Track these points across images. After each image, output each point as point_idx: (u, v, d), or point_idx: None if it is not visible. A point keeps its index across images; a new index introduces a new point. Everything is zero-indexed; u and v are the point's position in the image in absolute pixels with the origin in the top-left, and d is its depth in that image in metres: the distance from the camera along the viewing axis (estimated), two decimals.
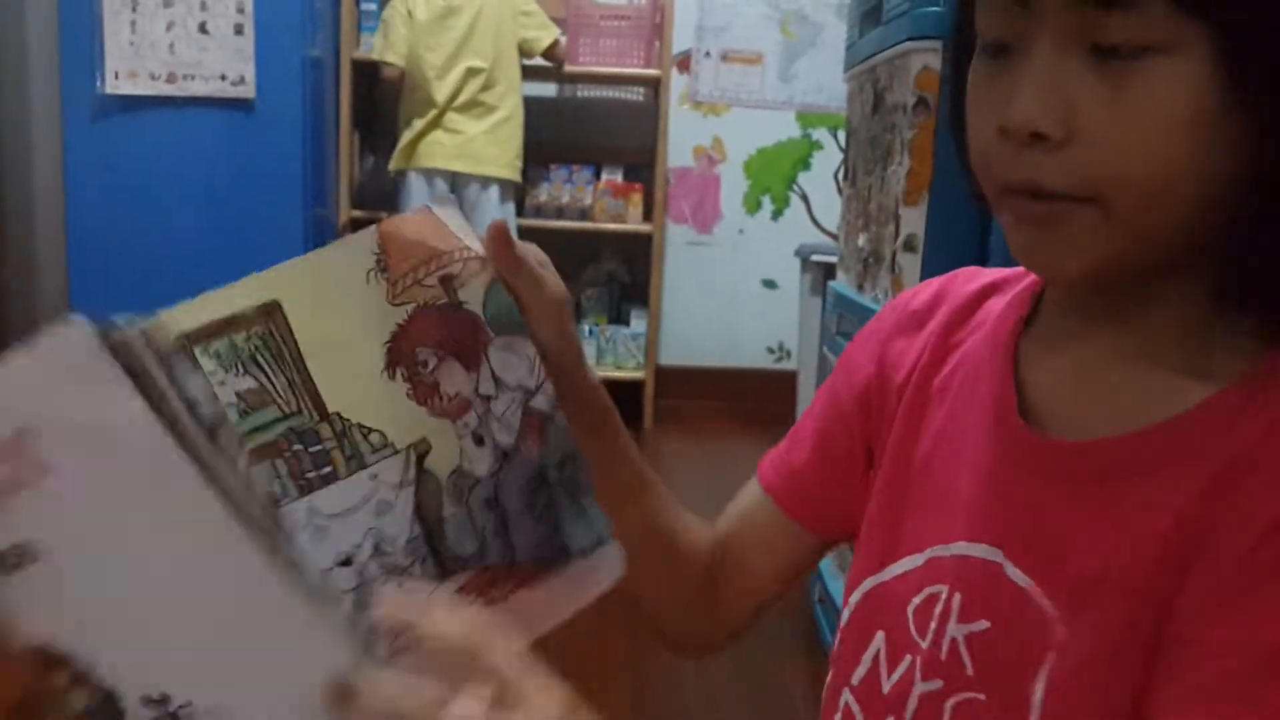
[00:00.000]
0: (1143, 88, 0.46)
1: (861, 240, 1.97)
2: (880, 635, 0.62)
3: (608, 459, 0.63)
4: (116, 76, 3.26)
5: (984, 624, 0.56)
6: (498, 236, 0.53)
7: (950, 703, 0.57)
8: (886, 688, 0.61)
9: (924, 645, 0.59)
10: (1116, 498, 0.52)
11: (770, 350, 4.33)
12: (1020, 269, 0.63)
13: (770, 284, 4.27)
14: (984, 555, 0.57)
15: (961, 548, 0.59)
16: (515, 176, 3.56)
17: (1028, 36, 0.49)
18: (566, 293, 0.57)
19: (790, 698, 1.96)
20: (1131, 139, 0.47)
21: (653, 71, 3.94)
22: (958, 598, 0.58)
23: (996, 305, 0.64)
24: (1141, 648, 0.49)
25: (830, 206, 4.08)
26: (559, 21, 3.73)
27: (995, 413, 0.59)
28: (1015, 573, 0.55)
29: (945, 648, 0.58)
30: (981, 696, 0.56)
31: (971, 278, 0.68)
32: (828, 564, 2.12)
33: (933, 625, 0.59)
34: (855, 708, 0.63)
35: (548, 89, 4.13)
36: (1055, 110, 0.48)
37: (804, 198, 4.29)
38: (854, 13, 2.10)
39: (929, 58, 1.61)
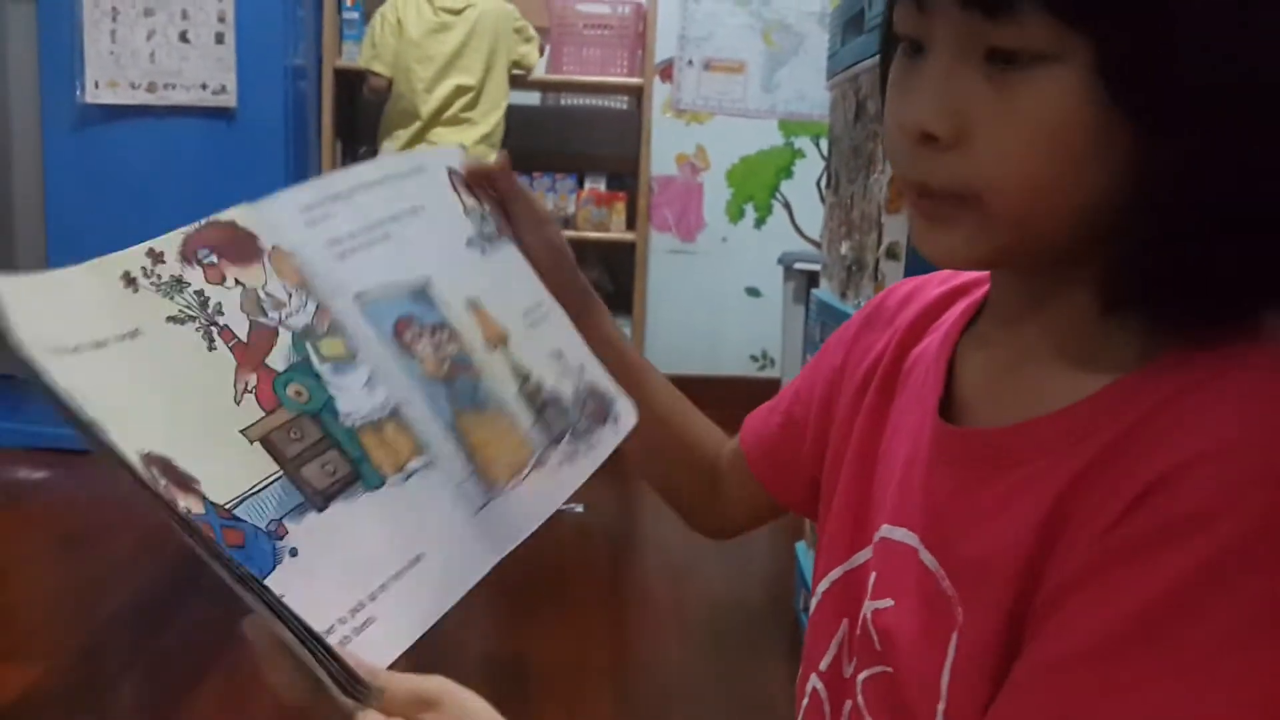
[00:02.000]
0: (1027, 96, 0.48)
1: (844, 248, 1.97)
2: (845, 622, 0.64)
3: (611, 357, 0.73)
4: (97, 86, 3.25)
5: (889, 601, 0.59)
6: (472, 171, 0.68)
7: (861, 677, 0.60)
8: (847, 672, 0.63)
9: (858, 625, 0.62)
10: (1008, 484, 0.53)
11: (754, 358, 4.34)
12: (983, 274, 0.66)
13: (753, 292, 4.28)
14: (902, 539, 0.59)
15: (886, 531, 0.61)
16: None
17: (930, 38, 0.50)
18: (544, 207, 0.67)
19: (773, 703, 1.96)
20: (1011, 146, 0.49)
21: (636, 80, 3.95)
22: (874, 575, 0.61)
23: (958, 308, 0.66)
24: (1021, 630, 0.50)
25: (813, 215, 4.09)
26: (542, 31, 3.74)
27: (926, 403, 0.61)
28: (926, 556, 0.57)
29: (859, 626, 0.61)
30: (889, 669, 0.58)
31: (946, 279, 0.70)
32: (811, 571, 2.12)
33: (865, 601, 0.61)
34: (823, 692, 0.65)
35: (531, 97, 4.14)
36: (945, 113, 0.49)
37: (787, 206, 4.31)
38: (836, 21, 2.11)
39: None
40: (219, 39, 3.28)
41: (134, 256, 0.49)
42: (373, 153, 3.55)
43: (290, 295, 0.53)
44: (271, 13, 3.32)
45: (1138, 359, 0.51)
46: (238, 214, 0.53)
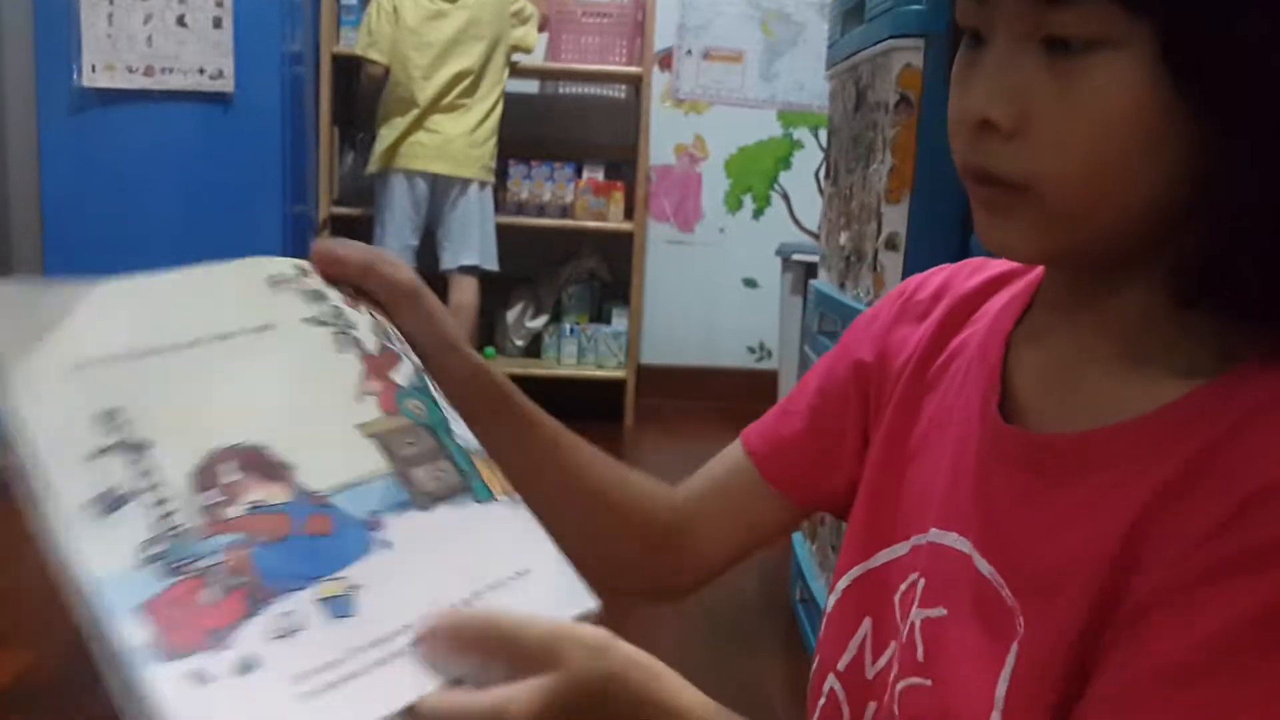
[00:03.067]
0: (1087, 84, 0.47)
1: (843, 239, 1.97)
2: (868, 621, 0.63)
3: (511, 432, 0.63)
4: (93, 69, 3.23)
5: (941, 610, 0.57)
6: (320, 257, 0.55)
7: (900, 686, 0.58)
8: (871, 673, 0.61)
9: (903, 631, 0.59)
10: (1082, 493, 0.51)
11: (751, 349, 4.33)
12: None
13: (751, 283, 4.27)
14: (953, 544, 0.57)
15: (935, 535, 0.59)
16: (490, 178, 3.55)
17: (990, 27, 0.50)
18: (414, 278, 0.58)
19: (769, 698, 1.96)
20: (1072, 135, 0.48)
21: (634, 69, 3.94)
22: (922, 583, 0.59)
23: (1000, 300, 0.64)
24: (1095, 647, 0.49)
25: (811, 206, 4.08)
26: (542, 19, 3.72)
27: (980, 404, 0.59)
28: (982, 564, 0.55)
29: (905, 632, 0.59)
30: (927, 682, 0.56)
31: (977, 270, 0.68)
32: (809, 564, 2.12)
33: (911, 612, 0.59)
34: (840, 693, 0.63)
35: (529, 86, 4.12)
36: (1004, 102, 0.49)
37: (785, 197, 4.30)
38: (836, 11, 2.10)
39: (911, 55, 1.61)
40: (216, 24, 3.26)
41: (282, 264, 0.52)
42: (370, 139, 3.54)
43: (403, 342, 0.55)
44: None
45: (1213, 364, 0.50)
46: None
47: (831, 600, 0.66)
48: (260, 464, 0.45)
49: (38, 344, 0.43)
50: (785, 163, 4.28)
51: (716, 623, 2.34)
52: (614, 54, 3.97)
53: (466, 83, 3.42)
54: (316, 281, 0.53)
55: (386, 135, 3.43)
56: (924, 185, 1.62)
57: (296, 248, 3.58)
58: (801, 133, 4.26)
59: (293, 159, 3.49)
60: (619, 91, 4.22)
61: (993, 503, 0.56)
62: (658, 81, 4.12)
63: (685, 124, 4.25)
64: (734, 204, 4.31)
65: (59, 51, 3.23)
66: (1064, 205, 0.49)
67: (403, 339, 0.55)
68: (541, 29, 3.69)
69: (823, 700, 0.64)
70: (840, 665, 0.64)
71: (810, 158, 4.22)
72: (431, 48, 3.38)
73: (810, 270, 2.74)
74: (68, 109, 3.27)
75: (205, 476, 0.43)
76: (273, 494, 0.44)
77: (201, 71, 3.26)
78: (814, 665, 0.67)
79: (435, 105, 3.40)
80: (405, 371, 0.52)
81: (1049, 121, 0.48)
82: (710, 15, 4.18)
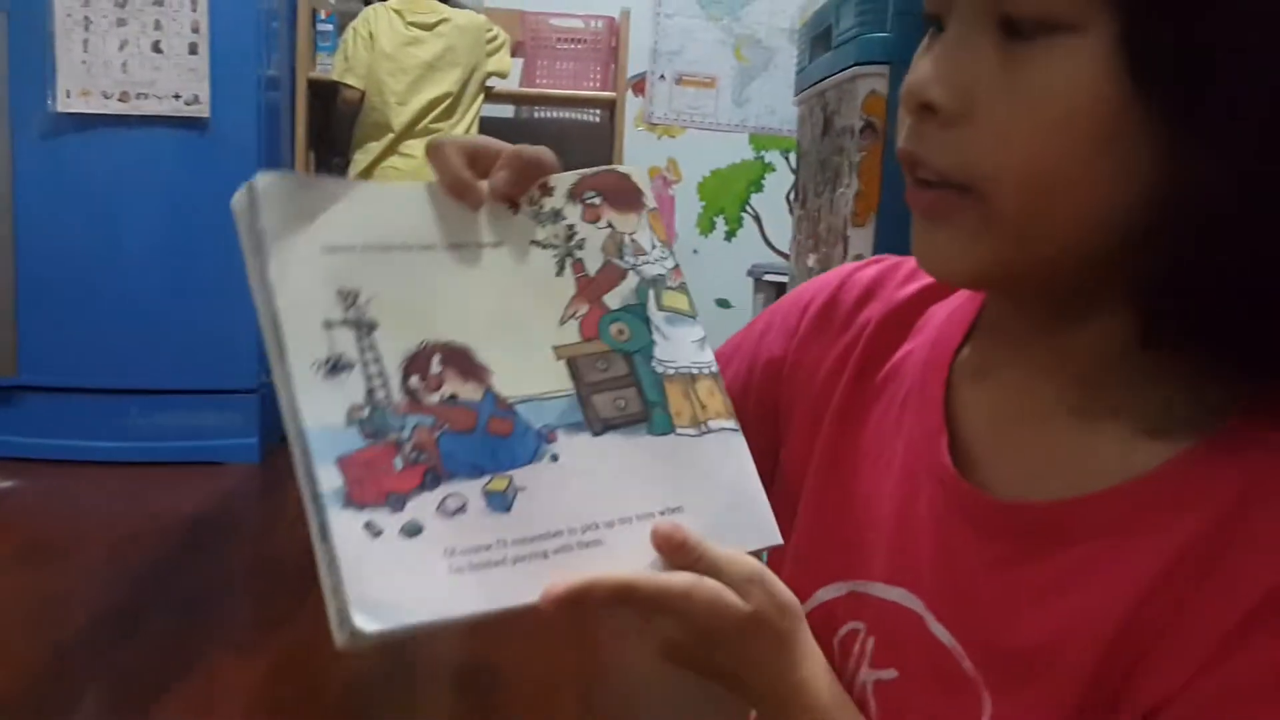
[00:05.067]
0: (1038, 72, 0.43)
1: (811, 260, 2.00)
2: None
3: None
4: (69, 95, 3.23)
5: (892, 673, 0.54)
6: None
7: None
8: None
9: (853, 688, 0.56)
10: (1061, 567, 0.48)
11: None
12: None
13: (724, 303, 4.31)
14: (902, 601, 0.54)
15: (880, 589, 0.55)
16: None
17: (948, 9, 0.46)
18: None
19: (743, 711, 1.97)
20: (1017, 127, 0.44)
21: (608, 94, 3.97)
22: (871, 641, 0.55)
23: (939, 313, 0.59)
24: None
25: (783, 227, 4.13)
26: (517, 44, 3.75)
27: (927, 448, 0.54)
28: (939, 629, 0.51)
29: (856, 690, 0.55)
30: None
31: (912, 277, 0.62)
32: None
33: (850, 665, 0.56)
34: None
35: (504, 110, 4.15)
36: (947, 84, 0.45)
37: (756, 218, 4.34)
38: (804, 38, 2.15)
39: (876, 82, 1.65)
40: (192, 49, 3.27)
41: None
42: (346, 165, 3.55)
43: (654, 247, 0.56)
44: (245, 23, 3.31)
45: (1190, 416, 0.46)
46: (634, 171, 0.57)
47: None
48: (463, 363, 0.49)
49: (299, 226, 0.47)
50: (757, 185, 4.33)
51: None
52: (588, 79, 4.01)
53: (442, 108, 3.44)
54: (559, 200, 0.54)
55: (361, 160, 3.44)
56: (889, 209, 1.66)
57: None
58: (773, 156, 4.31)
59: None
60: (593, 116, 4.26)
61: (953, 567, 0.52)
62: (631, 106, 4.16)
63: (659, 148, 4.29)
64: (707, 226, 4.35)
65: (34, 77, 3.22)
66: (1006, 207, 0.44)
67: (657, 246, 0.56)
68: (513, 54, 3.72)
69: None
70: None
71: (782, 180, 4.27)
72: (407, 73, 3.41)
73: (781, 290, 2.77)
74: (43, 134, 3.26)
75: (415, 363, 0.48)
76: (467, 391, 0.49)
77: (177, 97, 3.27)
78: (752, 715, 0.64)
79: (410, 130, 3.42)
80: (624, 291, 0.54)
81: (993, 111, 0.44)
82: (683, 41, 4.24)
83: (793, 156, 3.93)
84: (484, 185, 0.52)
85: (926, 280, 0.61)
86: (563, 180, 0.55)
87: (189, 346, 3.38)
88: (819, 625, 0.56)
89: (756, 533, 0.52)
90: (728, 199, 4.34)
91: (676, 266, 0.57)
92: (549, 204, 0.54)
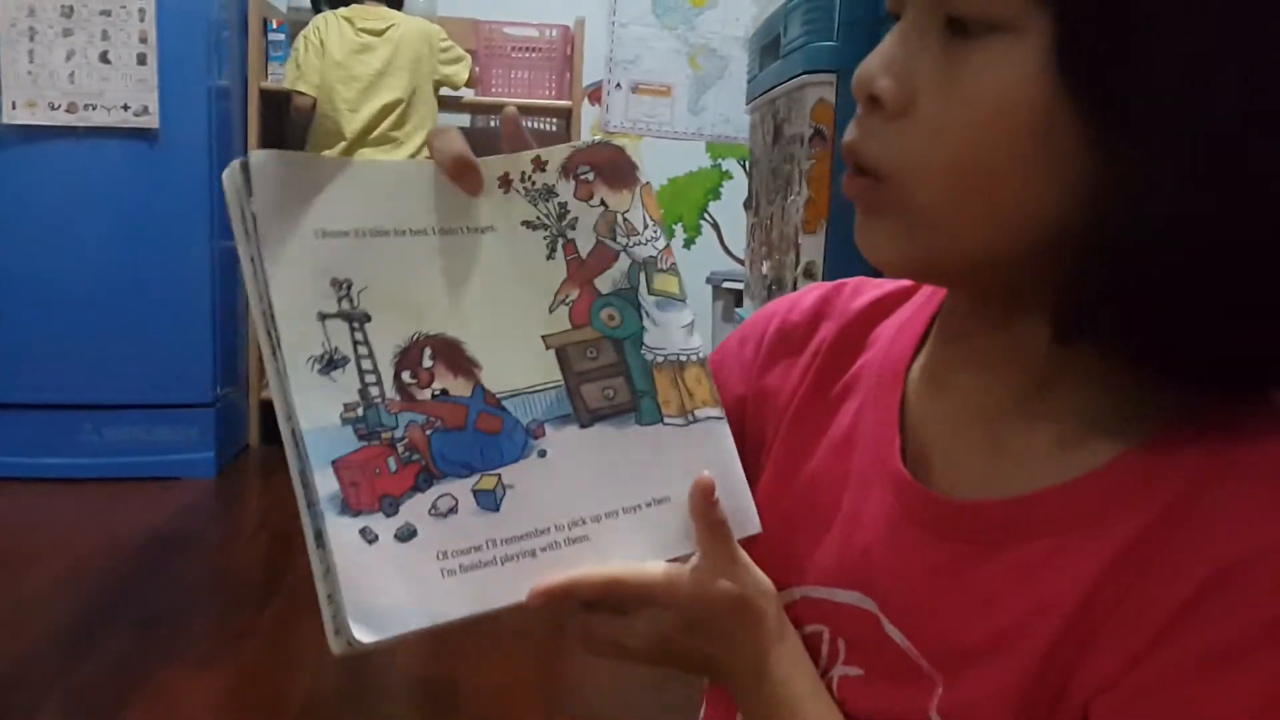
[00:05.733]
0: (974, 69, 0.44)
1: (765, 267, 2.02)
2: None
3: None
4: (14, 106, 3.18)
5: (857, 670, 0.55)
6: (509, 121, 0.56)
7: None
8: None
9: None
10: (1010, 564, 0.48)
11: None
12: (910, 283, 0.61)
13: None
14: (857, 604, 0.54)
15: (833, 593, 0.56)
16: None
17: (903, 6, 0.48)
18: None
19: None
20: (949, 122, 0.45)
21: (564, 103, 3.98)
22: (842, 641, 0.56)
23: (890, 325, 0.61)
24: (1043, 708, 0.47)
25: (741, 235, 4.14)
26: (470, 53, 3.75)
27: (880, 454, 0.55)
28: (892, 630, 0.52)
29: (830, 687, 0.56)
30: None
31: (858, 291, 0.64)
32: None
33: (822, 664, 0.56)
34: None
35: (461, 120, 4.14)
36: (889, 75, 0.46)
37: (715, 226, 4.36)
38: (754, 46, 2.16)
39: (824, 90, 1.67)
40: (141, 60, 3.24)
41: (520, 161, 0.53)
42: None
43: (647, 226, 0.55)
44: (195, 33, 3.28)
45: (1136, 419, 0.47)
46: (628, 144, 0.56)
47: None
48: (453, 356, 0.49)
49: (291, 210, 0.47)
50: (714, 193, 4.35)
51: None
52: (543, 88, 4.01)
53: (395, 115, 3.43)
54: (552, 176, 0.54)
55: None
56: (839, 216, 1.68)
57: (225, 284, 3.56)
58: (730, 164, 4.33)
59: (220, 195, 3.44)
60: (550, 125, 4.26)
61: (904, 570, 0.52)
62: (587, 115, 4.17)
63: None
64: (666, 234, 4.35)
65: None
66: (924, 200, 0.46)
67: (649, 225, 0.56)
68: (470, 83, 3.70)
69: None
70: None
71: (739, 188, 4.29)
72: (358, 81, 3.40)
73: (739, 297, 2.79)
74: None
75: (407, 357, 0.48)
76: (457, 386, 0.49)
77: (126, 108, 3.23)
78: (701, 714, 0.64)
79: (363, 139, 3.41)
80: (615, 274, 0.54)
81: (930, 105, 0.45)
82: (639, 50, 4.25)
83: (748, 170, 3.96)
84: (483, 169, 0.52)
85: (875, 293, 0.63)
86: (555, 154, 0.54)
87: (143, 361, 3.33)
88: None
89: (740, 522, 0.53)
90: (686, 207, 4.36)
91: (668, 246, 0.56)
92: (541, 180, 0.53)
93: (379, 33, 3.44)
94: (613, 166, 0.55)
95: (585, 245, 0.54)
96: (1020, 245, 0.46)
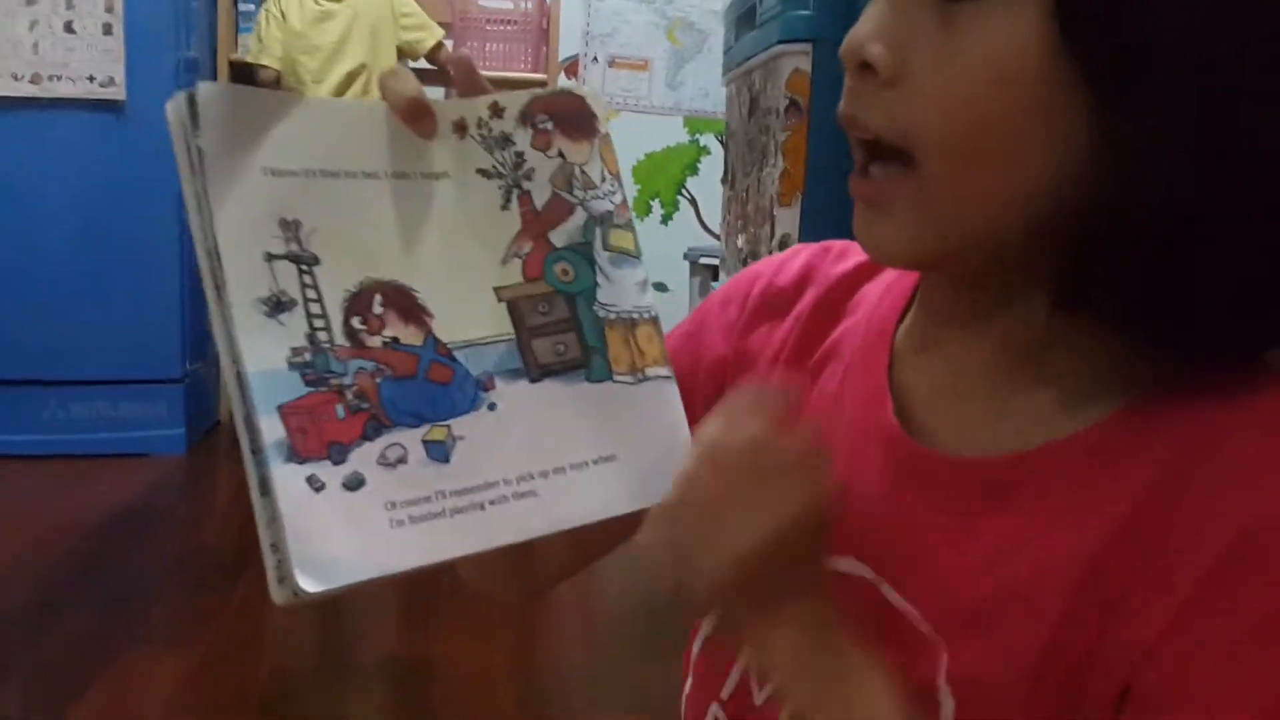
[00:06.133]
0: (972, 33, 0.43)
1: (740, 241, 1.99)
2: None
3: None
4: None
5: None
6: (462, 64, 0.54)
7: None
8: (760, 699, 0.57)
9: None
10: (1015, 521, 0.47)
11: None
12: None
13: (660, 287, 4.26)
14: (851, 570, 0.53)
15: (831, 561, 0.54)
16: None
17: None
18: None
19: (676, 698, 1.96)
20: (949, 87, 0.44)
21: (540, 76, 3.93)
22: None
23: (873, 290, 0.60)
24: (1062, 673, 0.45)
25: (719, 210, 4.12)
26: (444, 25, 3.69)
27: (870, 412, 0.54)
28: (893, 596, 0.51)
29: None
30: None
31: (842, 255, 0.63)
32: None
33: None
34: None
35: (435, 93, 4.03)
36: (883, 41, 0.45)
37: (693, 201, 4.33)
38: (729, 17, 2.13)
39: (800, 60, 1.64)
40: (106, 30, 3.17)
41: (476, 106, 0.52)
42: None
43: (604, 179, 0.54)
44: (162, 3, 3.23)
45: (1128, 381, 0.47)
46: (589, 93, 0.55)
47: (707, 624, 0.61)
48: (404, 304, 0.48)
49: (239, 145, 0.45)
50: (692, 168, 4.32)
51: (626, 629, 2.34)
52: (519, 61, 3.96)
53: (360, 83, 3.39)
54: (510, 123, 0.52)
55: None
56: (814, 188, 1.65)
57: (193, 257, 3.50)
58: (708, 139, 4.30)
59: None
60: None
61: (903, 530, 0.51)
62: None
63: None
64: (642, 209, 4.33)
65: None
66: (934, 172, 0.45)
67: (607, 179, 0.55)
68: (438, 58, 3.62)
69: None
70: (724, 694, 0.58)
71: (717, 163, 4.25)
72: (320, 51, 3.35)
73: (715, 275, 2.76)
74: None
75: (356, 303, 0.46)
76: (408, 335, 0.48)
77: (91, 79, 3.17)
78: (686, 688, 0.62)
79: None
80: (570, 228, 0.53)
81: (928, 71, 0.44)
82: (616, 23, 4.20)
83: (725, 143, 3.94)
84: (438, 113, 0.50)
85: (859, 258, 0.62)
86: (514, 100, 0.53)
87: (109, 336, 3.29)
88: None
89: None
90: (663, 182, 4.32)
91: (624, 201, 0.55)
92: (498, 127, 0.52)
93: (338, 0, 3.40)
94: (573, 116, 0.54)
95: (541, 197, 0.53)
96: (1023, 220, 0.45)
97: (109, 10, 3.16)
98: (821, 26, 1.60)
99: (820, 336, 0.60)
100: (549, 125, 0.53)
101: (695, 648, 0.63)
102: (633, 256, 0.55)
